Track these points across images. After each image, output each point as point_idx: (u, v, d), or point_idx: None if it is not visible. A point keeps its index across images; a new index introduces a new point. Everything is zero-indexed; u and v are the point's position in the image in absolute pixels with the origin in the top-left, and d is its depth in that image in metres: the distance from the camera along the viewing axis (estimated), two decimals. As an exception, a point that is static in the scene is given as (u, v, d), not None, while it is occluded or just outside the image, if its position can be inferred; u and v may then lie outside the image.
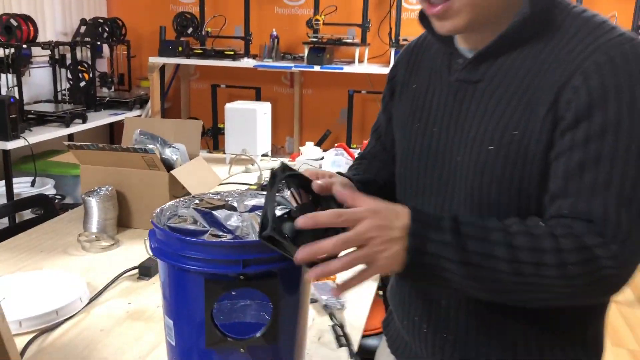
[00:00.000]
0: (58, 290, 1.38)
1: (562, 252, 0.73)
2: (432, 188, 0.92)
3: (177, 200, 1.07)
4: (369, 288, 1.51)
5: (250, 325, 1.10)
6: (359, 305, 1.42)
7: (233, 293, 1.13)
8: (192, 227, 1.05)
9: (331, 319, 0.93)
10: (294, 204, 0.84)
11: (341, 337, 0.92)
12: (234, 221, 1.08)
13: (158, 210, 1.02)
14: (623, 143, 0.74)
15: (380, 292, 1.80)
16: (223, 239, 1.00)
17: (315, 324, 1.33)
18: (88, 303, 1.37)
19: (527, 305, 0.82)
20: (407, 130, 0.98)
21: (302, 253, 0.73)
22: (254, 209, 1.11)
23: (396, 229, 0.74)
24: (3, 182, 3.24)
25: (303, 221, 0.73)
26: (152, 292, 1.46)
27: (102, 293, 1.43)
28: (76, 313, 1.33)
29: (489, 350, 0.90)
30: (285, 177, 0.82)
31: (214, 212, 1.08)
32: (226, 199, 1.12)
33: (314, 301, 1.42)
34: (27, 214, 2.55)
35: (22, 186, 3.33)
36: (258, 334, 0.92)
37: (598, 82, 0.75)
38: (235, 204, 1.11)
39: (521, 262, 0.73)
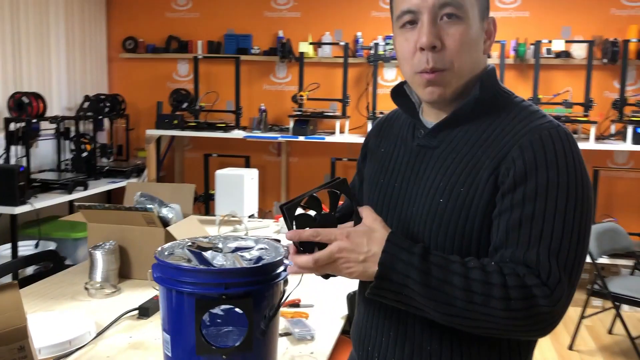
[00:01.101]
0: (70, 326, 1.62)
1: (507, 287, 0.87)
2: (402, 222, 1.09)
3: (174, 242, 1.35)
4: (336, 323, 1.77)
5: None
6: (327, 337, 1.67)
7: (218, 320, 1.38)
8: (185, 264, 1.31)
9: None
10: (324, 210, 0.97)
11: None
12: (219, 260, 1.35)
13: (159, 248, 1.29)
14: (551, 205, 0.91)
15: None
16: (210, 270, 1.27)
17: (289, 351, 1.58)
18: (96, 336, 1.62)
19: (474, 332, 0.96)
20: (374, 185, 1.17)
21: (289, 234, 0.95)
22: (236, 250, 1.38)
23: (363, 253, 0.90)
24: (9, 244, 3.49)
25: (290, 235, 0.93)
26: (151, 328, 1.70)
27: (108, 329, 1.67)
28: (86, 344, 1.57)
29: None
30: (340, 186, 0.96)
31: (203, 253, 1.35)
32: (213, 242, 1.39)
33: (288, 334, 1.67)
34: (29, 272, 2.78)
35: (26, 249, 3.57)
36: (237, 344, 1.18)
37: (531, 155, 0.94)
38: (220, 246, 1.39)
39: (473, 292, 0.87)
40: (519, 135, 0.97)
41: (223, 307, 1.33)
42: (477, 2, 1.01)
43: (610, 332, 3.73)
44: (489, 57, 4.43)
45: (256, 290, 1.18)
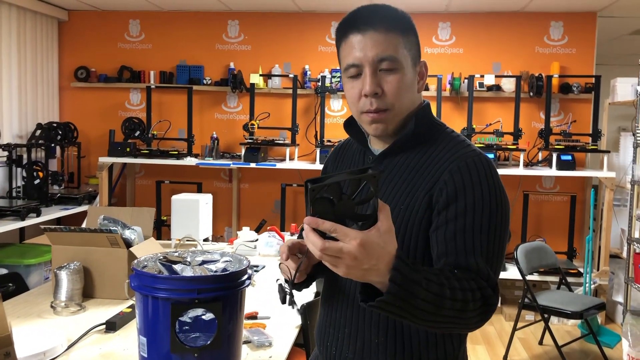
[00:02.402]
0: (42, 339, 1.73)
1: (474, 290, 1.04)
2: None
3: (147, 255, 1.50)
4: (291, 332, 1.95)
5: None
6: (283, 343, 1.85)
7: (186, 327, 1.53)
8: (158, 275, 1.47)
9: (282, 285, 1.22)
10: (347, 191, 0.93)
11: (286, 294, 1.21)
12: (187, 272, 1.51)
13: (135, 261, 1.44)
14: (478, 220, 1.10)
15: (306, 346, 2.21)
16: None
17: (249, 356, 1.74)
18: (68, 348, 1.73)
19: (440, 331, 1.15)
20: None
21: (307, 219, 0.92)
22: (203, 263, 1.55)
23: (369, 264, 0.92)
24: (-40, 271, 3.48)
25: (309, 220, 0.91)
26: (119, 340, 1.82)
27: (78, 341, 1.79)
28: (59, 355, 1.68)
29: None
30: (370, 179, 0.92)
31: (173, 265, 1.51)
32: (182, 256, 1.55)
33: (248, 342, 1.83)
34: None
35: (-22, 276, 3.57)
36: (208, 342, 1.34)
37: (459, 178, 1.12)
38: (189, 259, 1.55)
39: (457, 300, 1.00)
40: (449, 162, 1.16)
41: (191, 315, 1.49)
42: (409, 53, 1.21)
43: (540, 343, 4.03)
44: (427, 89, 4.78)
45: (225, 295, 1.35)
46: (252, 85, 4.85)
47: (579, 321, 4.16)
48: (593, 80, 4.69)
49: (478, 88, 4.77)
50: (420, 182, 1.18)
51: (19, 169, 4.27)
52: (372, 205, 0.94)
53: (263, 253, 3.01)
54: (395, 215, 1.15)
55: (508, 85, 4.82)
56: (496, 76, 4.80)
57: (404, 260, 0.97)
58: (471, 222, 1.11)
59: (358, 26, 1.19)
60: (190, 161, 4.73)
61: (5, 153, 4.11)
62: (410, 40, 1.21)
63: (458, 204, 1.11)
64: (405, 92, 1.20)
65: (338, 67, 5.05)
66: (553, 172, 4.49)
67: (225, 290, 1.36)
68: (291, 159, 4.75)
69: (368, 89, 1.18)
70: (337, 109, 5.11)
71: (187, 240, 3.05)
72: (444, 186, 1.13)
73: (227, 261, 1.55)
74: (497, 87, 4.84)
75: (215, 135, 4.94)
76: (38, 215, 3.98)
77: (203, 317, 1.49)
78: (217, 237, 4.90)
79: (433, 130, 1.25)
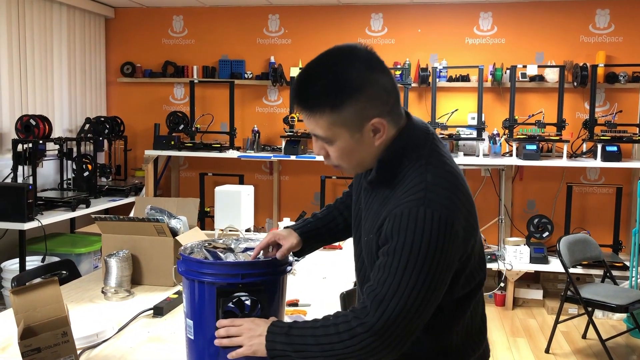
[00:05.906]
0: (94, 322, 1.83)
1: (340, 333, 1.18)
2: (358, 247, 1.44)
3: (194, 242, 1.57)
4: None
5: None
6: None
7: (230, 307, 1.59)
8: (204, 260, 1.53)
9: None
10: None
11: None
12: (231, 258, 1.58)
13: (182, 247, 1.51)
14: (395, 262, 1.17)
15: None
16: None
17: (290, 341, 1.80)
18: (118, 330, 1.82)
19: None
20: (353, 204, 1.50)
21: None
22: (245, 250, 1.61)
23: (256, 333, 1.26)
24: (16, 259, 3.66)
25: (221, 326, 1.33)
26: (166, 325, 1.91)
27: (127, 325, 1.88)
28: (111, 337, 1.77)
29: None
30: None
31: (218, 252, 1.58)
32: (226, 243, 1.61)
33: (289, 327, 1.89)
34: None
35: (33, 264, 3.74)
36: (250, 326, 1.39)
37: (394, 224, 1.19)
38: (233, 246, 1.61)
39: (321, 344, 1.19)
40: (395, 206, 1.21)
41: (235, 299, 1.54)
42: (343, 126, 1.22)
43: (584, 337, 3.97)
44: (469, 80, 4.73)
45: (267, 280, 1.40)
46: (292, 78, 4.90)
47: (624, 315, 4.07)
48: (641, 69, 4.56)
49: (520, 79, 4.69)
50: (381, 217, 1.25)
51: (69, 162, 4.44)
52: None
53: (303, 243, 3.06)
54: (364, 243, 1.33)
55: (551, 75, 4.73)
56: (539, 66, 4.71)
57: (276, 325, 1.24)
58: (391, 261, 1.18)
59: (294, 99, 1.27)
60: (232, 154, 4.83)
61: (57, 147, 4.28)
62: (343, 112, 1.21)
63: (390, 244, 1.19)
64: (350, 155, 1.27)
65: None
66: (598, 163, 4.39)
67: (268, 276, 1.41)
68: (331, 151, 4.79)
69: (315, 152, 1.32)
70: (376, 101, 5.11)
71: (230, 230, 3.12)
72: (386, 225, 1.21)
73: (268, 248, 1.60)
74: (540, 78, 4.75)
75: (256, 129, 5.03)
76: (87, 206, 4.14)
77: (246, 302, 1.55)
78: (258, 228, 4.99)
79: (400, 169, 1.27)
